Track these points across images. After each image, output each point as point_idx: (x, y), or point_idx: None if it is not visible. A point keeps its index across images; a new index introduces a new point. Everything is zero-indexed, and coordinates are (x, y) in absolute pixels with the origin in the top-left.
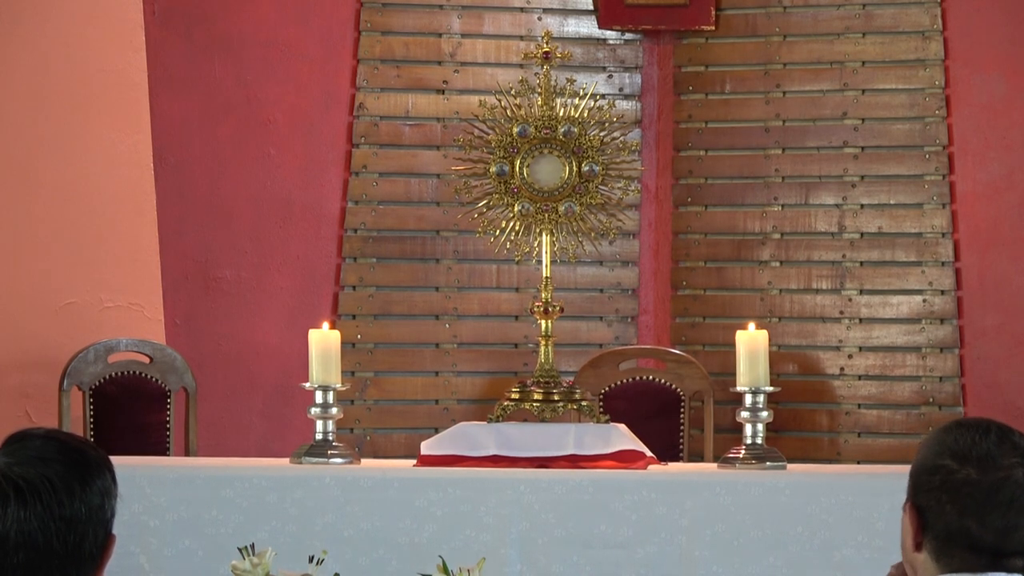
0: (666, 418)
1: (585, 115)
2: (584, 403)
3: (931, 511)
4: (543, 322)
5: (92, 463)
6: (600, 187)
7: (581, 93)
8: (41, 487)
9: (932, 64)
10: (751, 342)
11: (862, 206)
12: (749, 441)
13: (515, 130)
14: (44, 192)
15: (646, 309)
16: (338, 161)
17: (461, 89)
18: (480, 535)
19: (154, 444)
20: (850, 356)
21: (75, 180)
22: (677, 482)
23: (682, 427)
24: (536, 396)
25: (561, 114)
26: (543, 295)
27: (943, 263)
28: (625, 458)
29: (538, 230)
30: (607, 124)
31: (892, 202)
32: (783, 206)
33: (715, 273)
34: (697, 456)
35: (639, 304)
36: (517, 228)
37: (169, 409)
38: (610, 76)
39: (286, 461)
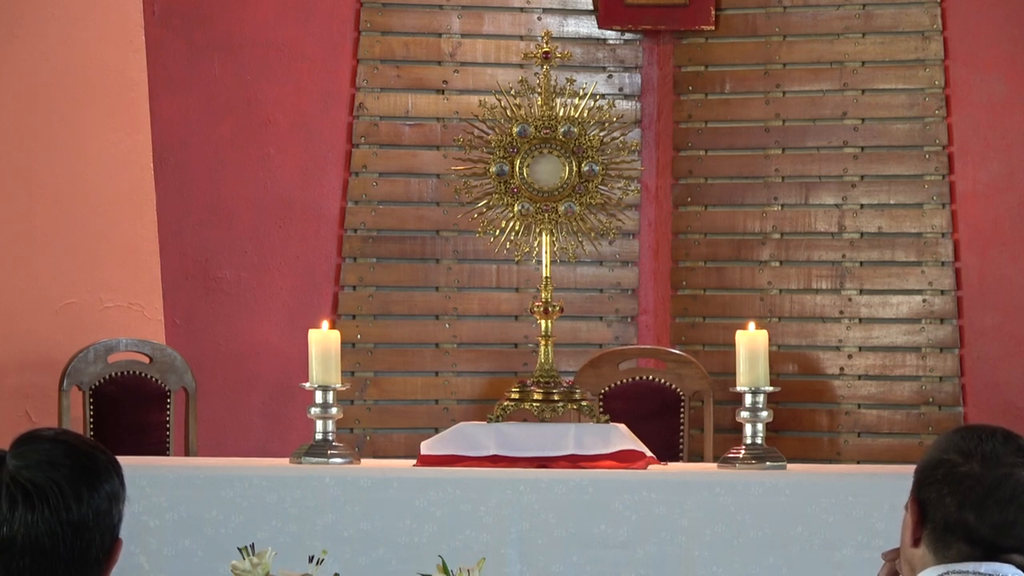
0: (666, 418)
1: (585, 115)
2: (584, 403)
3: (931, 504)
4: (543, 322)
5: (101, 467)
6: (600, 187)
7: (581, 93)
8: (49, 491)
9: (932, 64)
10: (751, 342)
11: (862, 206)
12: (749, 441)
13: (515, 130)
14: (44, 192)
15: (646, 309)
16: (338, 161)
17: (461, 89)
18: (480, 535)
19: (154, 444)
20: (850, 356)
21: (75, 180)
22: (677, 482)
23: (682, 427)
24: (536, 396)
25: (561, 114)
26: (543, 295)
27: (943, 263)
28: (625, 458)
29: (538, 230)
30: (607, 124)
31: (892, 202)
32: (783, 206)
33: (715, 273)
34: (697, 456)
35: (639, 304)
36: (517, 228)
37: (169, 409)
38: (610, 76)
39: (286, 461)
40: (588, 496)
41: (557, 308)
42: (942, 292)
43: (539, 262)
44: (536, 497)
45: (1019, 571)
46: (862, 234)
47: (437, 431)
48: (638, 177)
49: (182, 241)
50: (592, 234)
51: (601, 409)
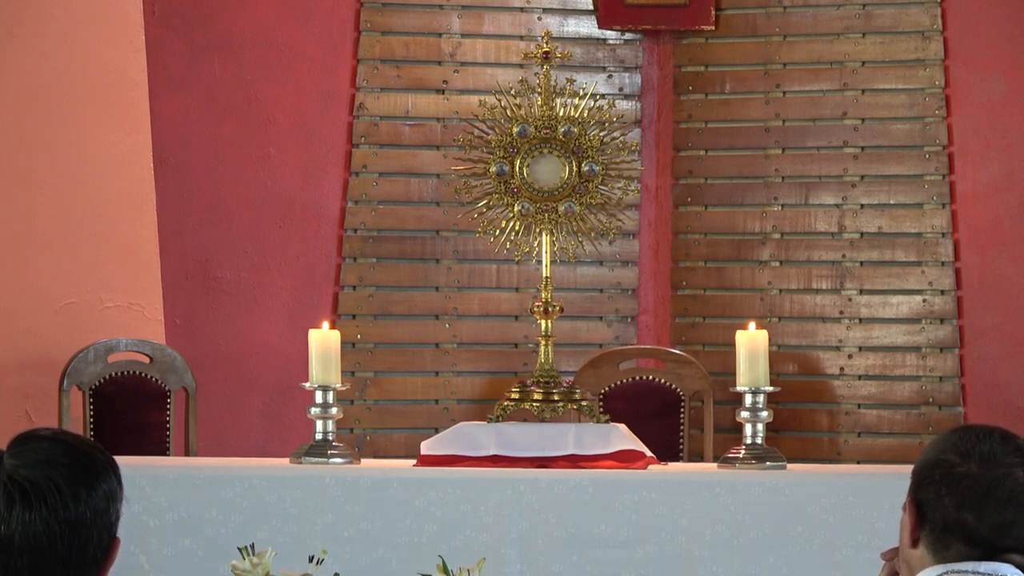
0: (666, 418)
1: (585, 115)
2: (584, 403)
3: (930, 504)
4: (543, 322)
5: (99, 466)
6: (600, 187)
7: (581, 93)
8: (47, 490)
9: (932, 64)
10: (751, 342)
11: (862, 206)
12: (749, 441)
13: (515, 130)
14: (44, 192)
15: (646, 309)
16: (338, 161)
17: (461, 89)
18: (480, 535)
19: (154, 444)
20: (850, 356)
21: (75, 180)
22: (677, 482)
23: (682, 427)
24: (536, 396)
25: (561, 114)
26: (543, 295)
27: (943, 263)
28: (625, 458)
29: (538, 230)
30: (607, 124)
31: (892, 202)
32: (783, 206)
33: (715, 273)
34: (697, 456)
35: (639, 304)
36: (517, 228)
37: (169, 409)
38: (610, 76)
39: (286, 461)
40: (588, 496)
41: (557, 308)
42: (942, 292)
43: (539, 262)
44: (536, 497)
45: (1018, 571)
46: (862, 234)
47: (437, 431)
48: (638, 177)
49: (182, 241)
50: (592, 234)
51: (601, 409)
